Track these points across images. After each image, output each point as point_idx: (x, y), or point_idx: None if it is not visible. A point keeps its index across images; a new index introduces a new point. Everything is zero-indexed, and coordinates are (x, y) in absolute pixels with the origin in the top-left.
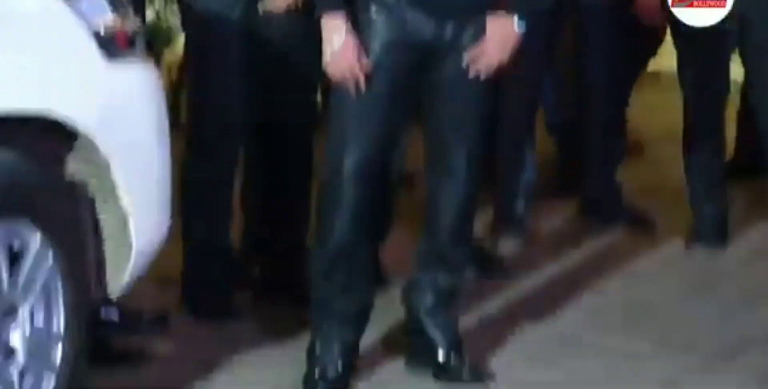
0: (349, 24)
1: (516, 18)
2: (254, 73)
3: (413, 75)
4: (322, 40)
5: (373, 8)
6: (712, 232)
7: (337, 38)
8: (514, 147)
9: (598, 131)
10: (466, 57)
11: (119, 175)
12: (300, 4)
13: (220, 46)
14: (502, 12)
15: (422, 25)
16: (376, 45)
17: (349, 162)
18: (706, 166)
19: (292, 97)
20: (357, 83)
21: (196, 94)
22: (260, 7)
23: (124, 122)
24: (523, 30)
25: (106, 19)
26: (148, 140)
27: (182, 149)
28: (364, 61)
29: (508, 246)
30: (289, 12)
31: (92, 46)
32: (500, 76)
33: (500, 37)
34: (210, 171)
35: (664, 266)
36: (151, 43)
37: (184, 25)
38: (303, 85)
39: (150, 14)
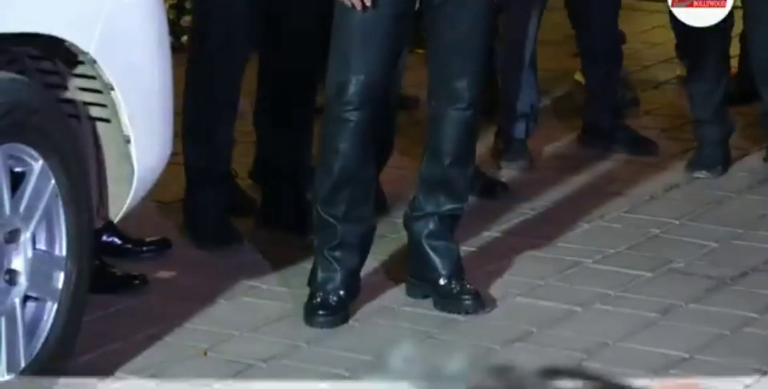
0: None
1: None
2: None
3: None
4: None
5: None
6: (714, 157)
7: None
8: (516, 69)
9: (597, 55)
10: None
11: (121, 97)
12: None
13: None
14: None
15: None
16: None
17: (353, 84)
18: (710, 90)
19: (297, 21)
20: (363, 1)
21: (200, 11)
22: None
23: (126, 43)
24: None
25: None
26: (150, 61)
27: (183, 72)
28: None
29: (509, 170)
30: None
31: None
32: None
33: None
34: (212, 84)
35: (666, 192)
36: None
37: None
38: (309, 8)
39: None
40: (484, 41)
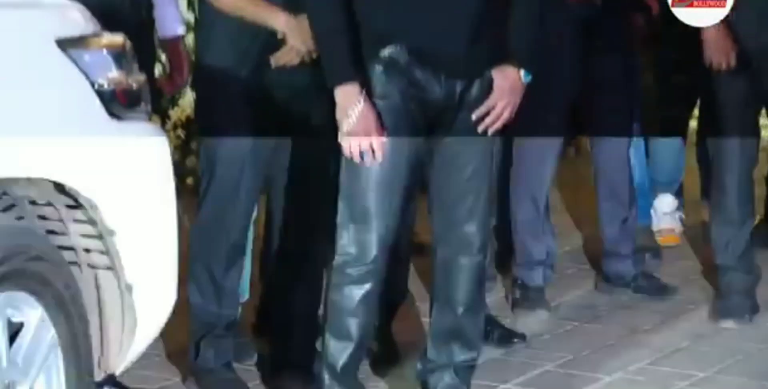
0: (364, 92)
1: (522, 70)
2: (266, 131)
3: (423, 136)
4: (337, 109)
5: (380, 69)
6: (741, 306)
7: (353, 109)
8: (529, 214)
9: (612, 201)
10: (475, 113)
11: (123, 243)
12: (313, 57)
13: (229, 104)
14: (508, 65)
15: (431, 84)
16: (387, 109)
17: (374, 236)
18: (733, 235)
19: (305, 156)
20: (374, 153)
21: (206, 154)
22: (272, 62)
23: (128, 187)
24: (528, 81)
25: (110, 74)
26: (153, 206)
27: (188, 216)
28: (382, 132)
29: (527, 319)
30: (302, 64)
31: (95, 104)
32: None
33: (508, 90)
34: (221, 231)
35: (691, 343)
36: (157, 101)
37: (194, 81)
38: (318, 145)
39: (157, 70)
40: (491, 182)
